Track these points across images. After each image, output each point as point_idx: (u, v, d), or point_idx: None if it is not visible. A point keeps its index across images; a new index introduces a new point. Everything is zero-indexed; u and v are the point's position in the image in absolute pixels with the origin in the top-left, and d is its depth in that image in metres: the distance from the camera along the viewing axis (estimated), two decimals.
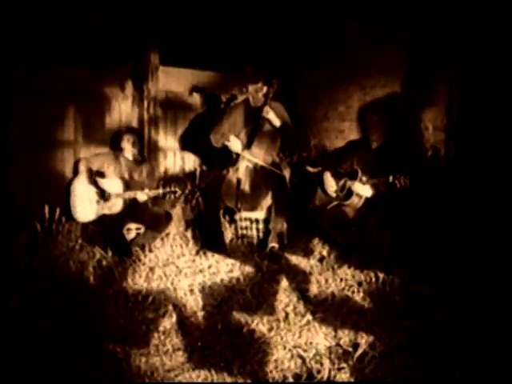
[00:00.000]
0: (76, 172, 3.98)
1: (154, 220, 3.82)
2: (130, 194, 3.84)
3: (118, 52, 4.41)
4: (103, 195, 3.79)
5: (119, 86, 4.53)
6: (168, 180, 4.60)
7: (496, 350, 2.38)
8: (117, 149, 4.05)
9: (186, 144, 4.99)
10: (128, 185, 3.89)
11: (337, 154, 4.24)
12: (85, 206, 3.80)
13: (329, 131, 5.32)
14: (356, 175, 3.61)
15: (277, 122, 3.73)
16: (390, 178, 3.34)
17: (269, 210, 3.79)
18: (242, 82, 3.88)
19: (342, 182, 3.75)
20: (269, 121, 3.73)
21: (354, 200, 3.65)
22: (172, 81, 4.83)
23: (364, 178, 3.56)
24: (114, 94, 4.47)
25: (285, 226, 3.76)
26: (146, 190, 3.84)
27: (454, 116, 4.32)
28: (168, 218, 3.89)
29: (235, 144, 3.81)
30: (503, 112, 3.92)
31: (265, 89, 3.79)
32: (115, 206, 3.82)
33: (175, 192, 3.85)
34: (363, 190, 3.59)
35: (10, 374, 2.21)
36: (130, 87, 4.59)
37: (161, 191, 3.86)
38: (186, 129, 4.99)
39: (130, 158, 4.00)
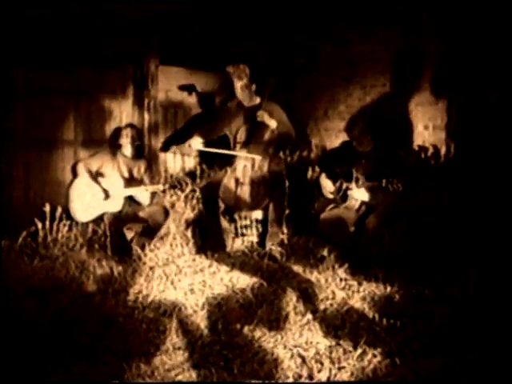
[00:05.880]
0: (75, 174, 3.97)
1: (153, 217, 3.81)
2: (130, 192, 3.84)
3: (118, 52, 4.41)
4: (103, 194, 3.79)
5: (119, 86, 4.53)
6: (168, 179, 4.60)
7: (496, 349, 2.37)
8: (115, 146, 4.04)
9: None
10: (128, 182, 3.88)
11: (332, 154, 4.19)
12: (84, 206, 3.79)
13: (329, 130, 5.31)
14: (351, 176, 3.60)
15: (273, 124, 3.70)
16: (384, 182, 3.35)
17: (267, 209, 3.78)
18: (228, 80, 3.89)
19: (338, 184, 3.73)
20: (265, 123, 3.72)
21: (351, 201, 3.64)
22: (172, 81, 4.83)
23: (360, 180, 3.55)
24: (114, 93, 4.47)
25: (284, 225, 3.76)
26: (147, 187, 3.84)
27: (453, 116, 4.33)
28: (166, 213, 3.87)
29: (196, 142, 3.83)
30: (503, 111, 3.92)
31: (253, 86, 3.77)
32: (115, 204, 3.82)
33: (175, 187, 3.85)
34: (359, 194, 3.57)
35: (9, 373, 2.21)
36: (130, 87, 4.59)
37: (161, 187, 3.86)
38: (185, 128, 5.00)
39: (128, 154, 3.99)
